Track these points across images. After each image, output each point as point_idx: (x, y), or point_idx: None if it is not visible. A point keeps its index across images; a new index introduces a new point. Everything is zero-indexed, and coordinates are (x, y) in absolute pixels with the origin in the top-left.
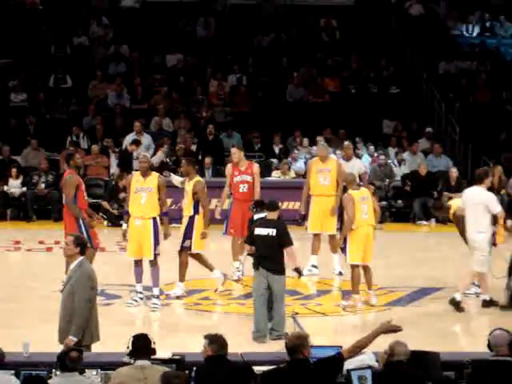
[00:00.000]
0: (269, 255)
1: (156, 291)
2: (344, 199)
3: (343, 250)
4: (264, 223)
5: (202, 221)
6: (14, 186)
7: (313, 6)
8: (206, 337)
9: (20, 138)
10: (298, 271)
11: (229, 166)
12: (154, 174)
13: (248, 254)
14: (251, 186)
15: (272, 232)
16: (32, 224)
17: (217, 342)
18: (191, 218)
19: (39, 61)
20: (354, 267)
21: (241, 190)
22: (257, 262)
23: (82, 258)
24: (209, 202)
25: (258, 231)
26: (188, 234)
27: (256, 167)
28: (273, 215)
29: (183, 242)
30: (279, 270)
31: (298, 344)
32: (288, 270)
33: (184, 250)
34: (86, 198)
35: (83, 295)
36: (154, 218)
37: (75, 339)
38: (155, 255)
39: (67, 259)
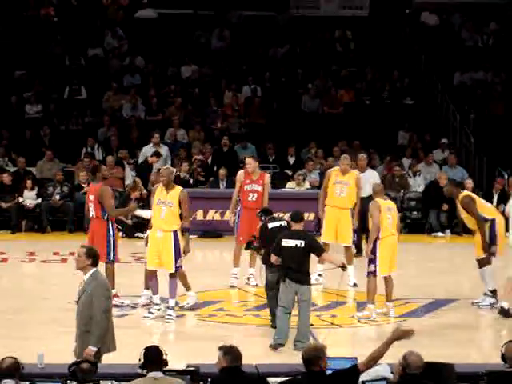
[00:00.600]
0: (296, 266)
1: (172, 303)
2: (370, 207)
3: (372, 261)
4: (290, 235)
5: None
6: (29, 198)
7: (327, 17)
8: (220, 348)
9: (35, 150)
10: (343, 267)
11: (241, 173)
12: (178, 188)
13: (267, 265)
14: (260, 196)
15: (300, 244)
16: (47, 235)
17: (231, 353)
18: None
19: (54, 72)
20: (372, 276)
21: (249, 199)
22: (284, 273)
23: (94, 269)
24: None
25: (285, 243)
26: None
27: (267, 177)
28: (298, 226)
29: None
30: (306, 280)
31: (314, 356)
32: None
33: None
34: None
35: (101, 306)
36: (175, 231)
37: (95, 349)
38: (176, 268)
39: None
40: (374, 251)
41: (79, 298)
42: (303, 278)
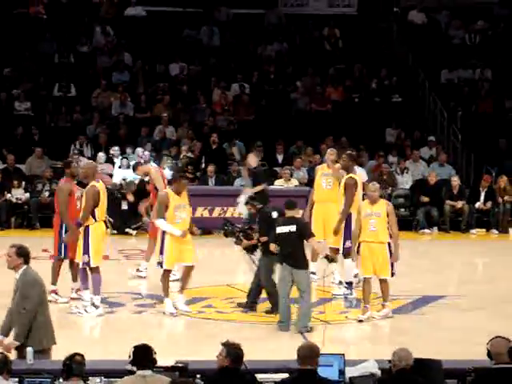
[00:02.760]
0: (291, 251)
1: (89, 298)
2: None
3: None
4: (284, 221)
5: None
6: (18, 194)
7: (316, 15)
8: (224, 345)
9: (24, 147)
10: (328, 258)
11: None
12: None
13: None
14: None
15: (292, 228)
16: (36, 232)
17: (234, 354)
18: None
19: (43, 69)
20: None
21: None
22: (281, 258)
23: (25, 266)
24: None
25: (280, 229)
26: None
27: None
28: (291, 213)
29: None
30: (302, 264)
31: (310, 355)
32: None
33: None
34: (79, 207)
35: (22, 304)
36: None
37: (17, 343)
38: (84, 263)
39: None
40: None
41: (13, 297)
42: (299, 262)
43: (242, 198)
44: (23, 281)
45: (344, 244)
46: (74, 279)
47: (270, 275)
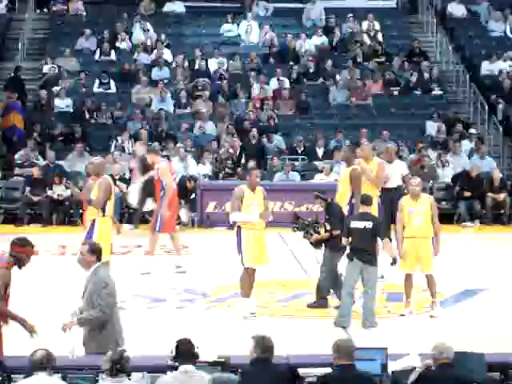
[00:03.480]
0: (364, 247)
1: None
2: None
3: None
4: (360, 216)
5: None
6: (59, 191)
7: (355, 8)
8: (252, 338)
9: (65, 144)
10: (394, 261)
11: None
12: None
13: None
14: None
15: (369, 225)
16: (77, 228)
17: (261, 345)
18: None
19: (83, 66)
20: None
21: None
22: (352, 253)
23: (97, 264)
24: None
25: (355, 224)
26: None
27: None
28: (367, 208)
29: None
30: (374, 261)
31: (350, 349)
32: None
33: None
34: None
35: (100, 302)
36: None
37: (76, 323)
38: None
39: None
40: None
41: (83, 294)
42: (371, 258)
43: (133, 187)
44: (94, 281)
45: None
46: None
47: (333, 270)
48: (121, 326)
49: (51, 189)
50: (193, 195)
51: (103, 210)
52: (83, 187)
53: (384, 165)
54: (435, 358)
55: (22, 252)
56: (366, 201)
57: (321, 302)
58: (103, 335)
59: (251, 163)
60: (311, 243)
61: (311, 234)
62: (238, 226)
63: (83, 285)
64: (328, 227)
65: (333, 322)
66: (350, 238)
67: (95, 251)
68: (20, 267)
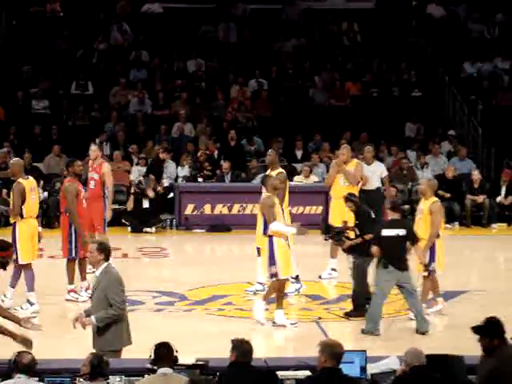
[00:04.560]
0: (399, 254)
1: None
2: (435, 207)
3: (430, 260)
4: (390, 224)
5: None
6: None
7: (334, 9)
8: (232, 341)
9: (42, 145)
10: (426, 267)
11: None
12: None
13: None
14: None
15: (401, 232)
16: (54, 231)
17: (239, 348)
18: None
19: (60, 68)
20: (434, 273)
21: None
22: (385, 261)
23: (107, 263)
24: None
25: (386, 232)
26: None
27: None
28: (397, 215)
29: None
30: (407, 265)
31: (341, 352)
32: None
33: None
34: (85, 206)
35: (116, 299)
36: None
37: (94, 322)
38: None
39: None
40: (433, 250)
41: (93, 294)
42: (405, 264)
43: None
44: (109, 276)
45: None
46: (83, 278)
47: (364, 276)
48: (126, 325)
49: None
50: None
51: (21, 214)
52: (62, 191)
53: (361, 166)
54: (407, 363)
55: (6, 256)
56: (396, 207)
57: (359, 311)
58: (114, 332)
59: (226, 164)
60: (344, 250)
61: (343, 241)
62: (270, 236)
63: (92, 285)
64: (358, 231)
65: (361, 328)
66: (381, 247)
67: (103, 250)
68: (5, 269)
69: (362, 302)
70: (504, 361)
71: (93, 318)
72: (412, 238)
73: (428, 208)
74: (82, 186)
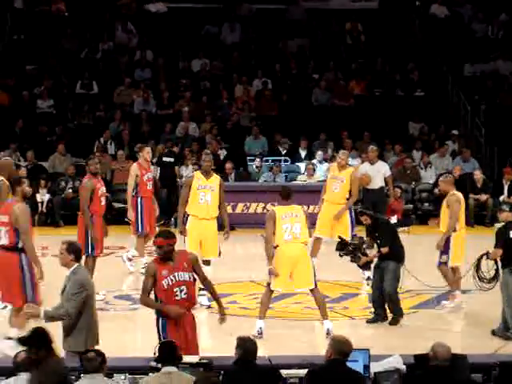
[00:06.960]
0: None
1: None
2: (451, 199)
3: (443, 253)
4: None
5: None
6: (43, 194)
7: (337, 10)
8: (237, 339)
9: (47, 144)
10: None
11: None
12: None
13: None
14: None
15: None
16: (59, 230)
17: (242, 346)
18: None
19: (65, 67)
20: (443, 265)
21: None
22: (506, 262)
23: (76, 264)
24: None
25: None
26: None
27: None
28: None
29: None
30: None
31: (342, 348)
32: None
33: None
34: (103, 203)
35: (68, 304)
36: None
37: (42, 316)
38: None
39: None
40: (447, 243)
41: (61, 293)
42: None
43: None
44: (73, 279)
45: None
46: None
47: (396, 281)
48: (95, 326)
49: (37, 191)
50: None
51: None
52: (79, 189)
53: (355, 175)
54: (432, 358)
55: None
56: None
57: (382, 318)
58: (75, 336)
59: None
60: (359, 266)
61: (359, 258)
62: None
63: (63, 283)
64: (378, 243)
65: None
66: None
67: (73, 251)
68: None
69: (398, 309)
70: (48, 374)
71: (42, 311)
72: None
73: (446, 201)
74: (102, 183)
